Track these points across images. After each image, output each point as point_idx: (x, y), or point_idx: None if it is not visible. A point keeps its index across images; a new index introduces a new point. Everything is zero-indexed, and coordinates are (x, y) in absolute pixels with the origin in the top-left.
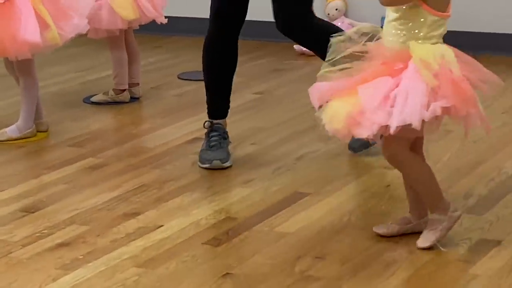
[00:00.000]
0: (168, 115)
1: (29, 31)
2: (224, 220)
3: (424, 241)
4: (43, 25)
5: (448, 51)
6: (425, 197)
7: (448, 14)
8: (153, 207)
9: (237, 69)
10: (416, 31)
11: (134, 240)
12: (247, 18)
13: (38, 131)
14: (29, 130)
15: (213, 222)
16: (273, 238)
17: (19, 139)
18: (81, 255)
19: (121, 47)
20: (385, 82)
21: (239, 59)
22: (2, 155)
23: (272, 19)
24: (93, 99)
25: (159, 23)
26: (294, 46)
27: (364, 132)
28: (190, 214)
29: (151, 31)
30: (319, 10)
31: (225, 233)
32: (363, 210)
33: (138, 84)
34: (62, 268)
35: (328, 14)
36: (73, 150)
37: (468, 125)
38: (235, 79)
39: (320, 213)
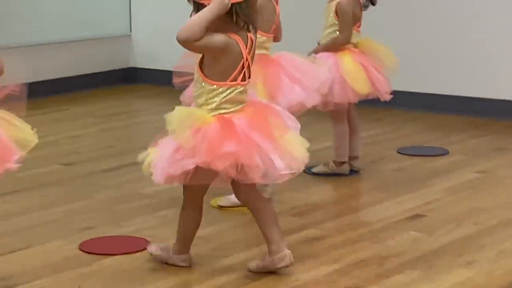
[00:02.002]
0: (387, 190)
1: None
2: None
3: (149, 247)
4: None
5: (201, 116)
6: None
7: (228, 83)
8: (374, 283)
9: (457, 145)
10: (199, 97)
11: None
12: (468, 94)
13: None
14: None
15: None
16: None
17: (242, 205)
18: None
19: (345, 120)
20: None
21: (459, 136)
22: (226, 221)
23: (503, 97)
24: (314, 169)
25: (382, 100)
26: None
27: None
28: None
29: (371, 104)
30: None
31: None
32: None
33: (357, 157)
34: None
35: None
36: (295, 220)
37: (243, 177)
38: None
39: None
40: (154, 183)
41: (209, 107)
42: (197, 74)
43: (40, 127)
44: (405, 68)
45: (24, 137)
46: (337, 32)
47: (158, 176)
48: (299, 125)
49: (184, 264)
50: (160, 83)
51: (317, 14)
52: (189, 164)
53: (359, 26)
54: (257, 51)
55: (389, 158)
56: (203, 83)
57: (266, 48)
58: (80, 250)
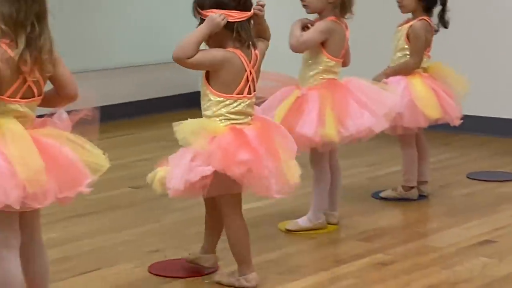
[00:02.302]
0: (457, 215)
1: (305, 126)
2: None
3: (216, 276)
4: (322, 122)
5: (214, 127)
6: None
7: (234, 96)
8: None
9: None
10: (207, 110)
11: None
12: None
13: (328, 223)
14: (319, 221)
15: None
16: None
17: (310, 230)
18: None
19: (413, 144)
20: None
21: None
22: (294, 244)
23: None
24: (382, 194)
25: (452, 125)
26: None
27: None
28: None
29: (440, 128)
30: None
31: None
32: None
33: (426, 182)
34: None
35: None
36: (362, 245)
37: (251, 187)
38: None
39: None
40: None
41: (218, 118)
42: (204, 87)
43: (110, 150)
44: (474, 92)
45: (96, 161)
46: (407, 56)
47: (177, 185)
48: (296, 147)
49: (250, 284)
50: None
51: (384, 38)
52: (206, 171)
53: (429, 51)
54: (326, 76)
55: (458, 183)
56: (211, 96)
57: (335, 73)
58: (149, 272)
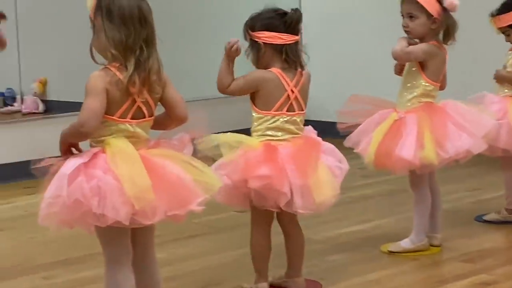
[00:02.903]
0: None
1: (404, 149)
2: None
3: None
4: (421, 145)
5: (249, 141)
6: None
7: (272, 112)
8: None
9: None
10: (252, 125)
11: None
12: None
13: (431, 245)
14: (422, 243)
15: None
16: None
17: (413, 251)
18: None
19: None
20: None
21: None
22: (397, 266)
23: None
24: (486, 217)
25: None
26: None
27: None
28: None
29: None
30: None
31: None
32: None
33: None
34: None
35: None
36: (465, 266)
37: (269, 202)
38: None
39: None
40: (324, 230)
41: (256, 133)
42: (250, 105)
43: None
44: None
45: (207, 180)
46: None
47: None
48: (347, 167)
49: None
50: (329, 135)
51: (477, 61)
52: (226, 180)
53: None
54: (423, 99)
55: None
56: (253, 112)
57: (433, 97)
58: None
